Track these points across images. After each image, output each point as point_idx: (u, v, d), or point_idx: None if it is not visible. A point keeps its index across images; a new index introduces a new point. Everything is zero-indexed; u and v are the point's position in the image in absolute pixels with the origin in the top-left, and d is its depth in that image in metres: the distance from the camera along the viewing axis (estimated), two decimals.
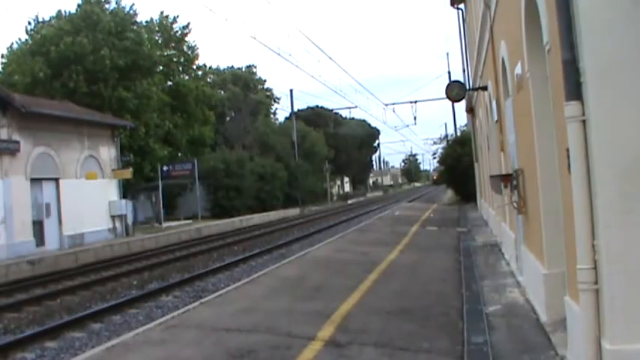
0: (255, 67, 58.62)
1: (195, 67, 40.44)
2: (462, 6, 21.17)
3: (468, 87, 16.38)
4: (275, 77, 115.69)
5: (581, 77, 3.79)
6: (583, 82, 3.78)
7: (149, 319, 8.73)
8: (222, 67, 53.84)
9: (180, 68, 38.56)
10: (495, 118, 10.77)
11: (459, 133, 38.64)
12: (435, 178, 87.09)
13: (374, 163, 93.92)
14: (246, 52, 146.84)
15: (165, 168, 30.90)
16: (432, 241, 14.67)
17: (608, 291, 3.66)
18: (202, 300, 7.89)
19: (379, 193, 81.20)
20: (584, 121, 3.79)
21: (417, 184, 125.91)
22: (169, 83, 37.26)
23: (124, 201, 24.55)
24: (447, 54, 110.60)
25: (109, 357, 5.43)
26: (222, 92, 49.51)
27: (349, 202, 55.84)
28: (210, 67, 48.96)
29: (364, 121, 71.83)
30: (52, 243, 20.00)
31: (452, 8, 22.27)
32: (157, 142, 32.87)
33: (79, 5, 32.37)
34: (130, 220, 24.70)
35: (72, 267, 16.54)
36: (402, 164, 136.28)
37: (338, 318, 6.40)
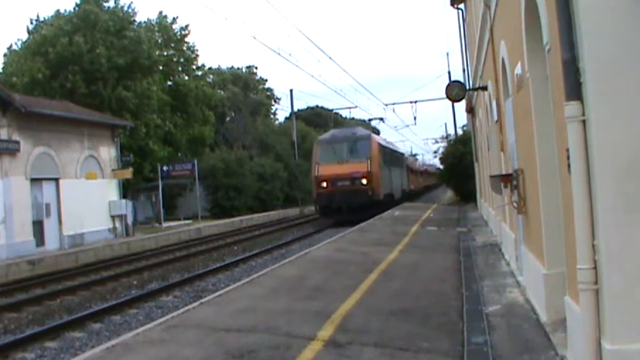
0: (256, 68, 58.69)
1: (195, 67, 40.49)
2: (462, 6, 21.17)
3: (468, 87, 16.38)
4: (275, 77, 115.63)
5: (581, 77, 3.79)
6: (583, 82, 3.78)
7: (149, 319, 8.74)
8: (222, 67, 53.90)
9: (180, 68, 38.58)
10: (495, 118, 10.77)
11: (459, 133, 38.63)
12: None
13: None
14: (246, 52, 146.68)
15: (165, 168, 30.91)
16: (432, 241, 14.66)
17: (608, 291, 3.66)
18: (202, 300, 7.89)
19: None
20: (584, 121, 3.79)
21: None
22: (169, 83, 37.29)
23: (124, 201, 24.56)
24: (447, 54, 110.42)
25: (109, 357, 5.43)
26: (222, 92, 49.51)
27: None
28: (210, 67, 49.06)
29: (364, 120, 71.85)
30: (52, 243, 20.00)
31: (452, 8, 22.26)
32: (157, 143, 32.89)
33: (77, 4, 32.38)
34: (130, 220, 24.71)
35: (72, 267, 16.55)
36: None
37: (338, 318, 6.40)
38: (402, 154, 40.71)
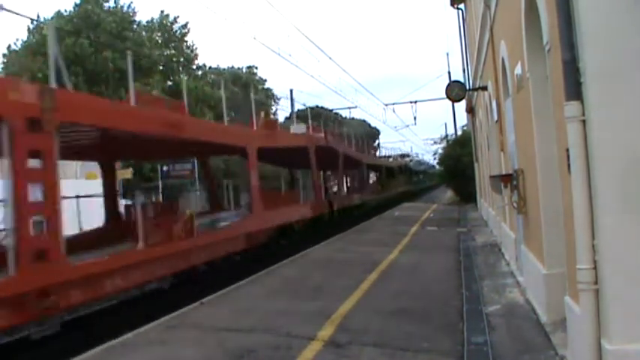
0: (256, 68, 58.62)
1: (195, 66, 40.50)
2: (462, 6, 21.17)
3: (468, 87, 16.38)
4: (275, 77, 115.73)
5: (581, 77, 3.79)
6: (583, 82, 3.79)
7: (149, 319, 8.71)
8: (222, 67, 53.86)
9: (180, 68, 38.61)
10: (495, 118, 10.77)
11: (459, 133, 38.61)
12: None
13: None
14: (246, 52, 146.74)
15: (165, 168, 30.85)
16: (432, 241, 14.66)
17: (608, 291, 3.66)
18: (203, 300, 7.89)
19: None
20: (584, 121, 3.79)
21: None
22: (169, 83, 37.29)
23: (123, 201, 24.49)
24: (447, 54, 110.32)
25: (109, 357, 5.43)
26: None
27: None
28: (210, 67, 49.05)
29: (364, 121, 71.74)
30: None
31: (452, 8, 22.27)
32: None
33: (76, 4, 32.39)
34: None
35: None
36: None
37: (338, 318, 6.40)
38: None
